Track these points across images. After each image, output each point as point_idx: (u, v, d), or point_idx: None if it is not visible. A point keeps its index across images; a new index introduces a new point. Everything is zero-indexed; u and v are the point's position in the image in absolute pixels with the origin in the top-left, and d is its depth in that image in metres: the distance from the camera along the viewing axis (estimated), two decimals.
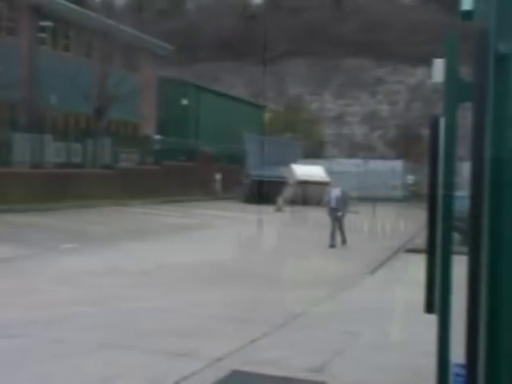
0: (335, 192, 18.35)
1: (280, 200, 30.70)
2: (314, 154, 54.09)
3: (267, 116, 59.45)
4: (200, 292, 10.71)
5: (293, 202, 33.93)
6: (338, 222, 17.96)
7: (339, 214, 17.93)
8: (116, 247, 15.60)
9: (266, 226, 23.52)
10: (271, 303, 9.93)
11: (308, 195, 34.94)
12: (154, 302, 9.47)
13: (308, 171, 35.74)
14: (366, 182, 46.08)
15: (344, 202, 18.22)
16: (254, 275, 12.85)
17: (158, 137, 35.36)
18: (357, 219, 28.23)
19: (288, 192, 34.88)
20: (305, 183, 33.85)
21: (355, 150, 60.04)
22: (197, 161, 38.20)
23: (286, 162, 40.24)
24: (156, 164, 33.98)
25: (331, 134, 61.56)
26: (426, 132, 54.64)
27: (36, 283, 10.59)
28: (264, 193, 33.72)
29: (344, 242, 18.07)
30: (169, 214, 24.85)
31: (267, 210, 30.01)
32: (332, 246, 17.72)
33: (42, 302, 9.02)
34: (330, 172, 40.52)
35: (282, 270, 13.70)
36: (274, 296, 10.61)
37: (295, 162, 42.38)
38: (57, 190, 25.35)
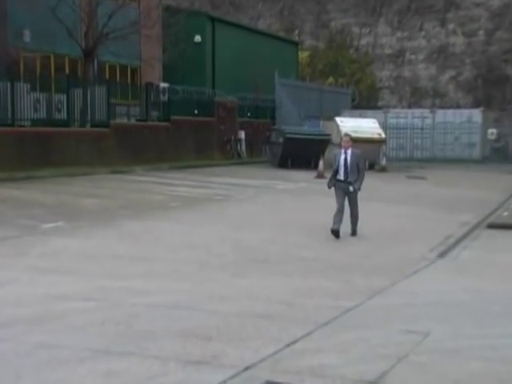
0: (344, 156, 15.86)
1: (321, 163, 30.61)
2: (365, 103, 53.81)
3: (304, 55, 59.11)
4: (222, 282, 10.75)
5: None
6: (349, 199, 15.68)
7: (351, 188, 15.64)
8: (113, 226, 15.71)
9: (303, 196, 23.51)
10: (313, 295, 9.95)
11: None
12: (164, 296, 9.54)
13: (357, 126, 35.52)
14: (434, 139, 45.81)
15: (357, 170, 15.74)
16: (290, 260, 12.87)
17: (164, 85, 35.35)
18: (424, 187, 28.09)
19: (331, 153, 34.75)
20: (353, 141, 33.64)
21: (419, 97, 59.53)
22: (215, 115, 38.18)
23: (330, 114, 40.03)
24: (163, 119, 34.05)
25: (387, 76, 61.04)
26: None
27: (13, 273, 10.70)
28: (300, 154, 33.66)
29: (354, 233, 15.77)
30: (179, 183, 24.93)
31: (304, 176, 29.98)
32: (334, 231, 15.23)
33: (22, 298, 9.12)
34: (385, 127, 40.30)
35: (324, 253, 13.70)
36: (316, 286, 10.62)
37: (341, 114, 42.19)
38: (36, 154, 25.55)
